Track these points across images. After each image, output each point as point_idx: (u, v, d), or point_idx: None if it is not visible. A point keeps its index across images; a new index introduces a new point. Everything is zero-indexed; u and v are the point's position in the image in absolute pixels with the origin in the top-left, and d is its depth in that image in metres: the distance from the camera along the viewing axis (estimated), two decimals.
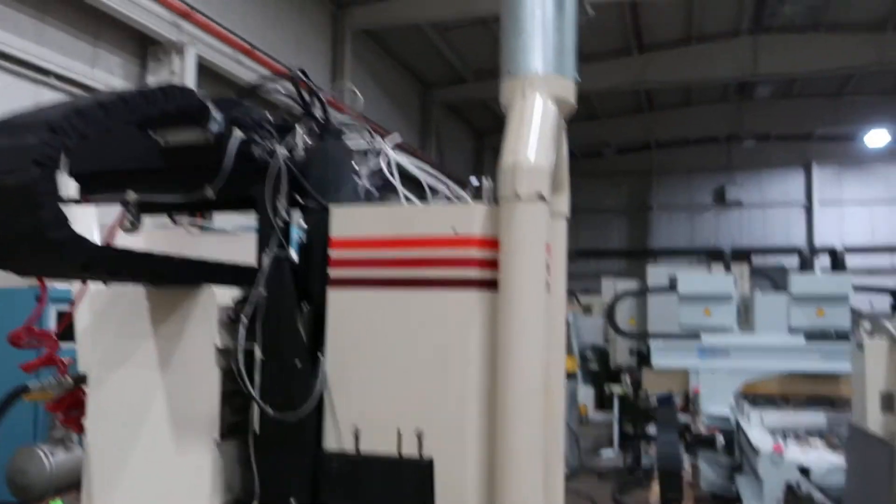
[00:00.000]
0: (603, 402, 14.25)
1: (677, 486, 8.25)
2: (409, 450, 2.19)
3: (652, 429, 10.34)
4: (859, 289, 9.03)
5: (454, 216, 2.26)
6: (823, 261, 15.65)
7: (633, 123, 22.07)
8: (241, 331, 2.24)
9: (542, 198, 2.15)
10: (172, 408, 2.36)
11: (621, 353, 13.84)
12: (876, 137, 21.15)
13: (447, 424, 2.17)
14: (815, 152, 22.61)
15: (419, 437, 2.18)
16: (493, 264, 2.20)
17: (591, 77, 16.50)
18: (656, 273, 12.34)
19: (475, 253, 2.22)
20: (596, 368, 14.98)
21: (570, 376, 12.35)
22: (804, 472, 6.57)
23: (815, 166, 22.76)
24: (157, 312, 2.42)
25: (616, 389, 11.96)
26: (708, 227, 23.74)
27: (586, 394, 14.33)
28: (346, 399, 2.26)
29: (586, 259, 22.38)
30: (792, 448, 6.94)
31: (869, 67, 16.12)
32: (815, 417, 7.93)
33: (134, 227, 3.00)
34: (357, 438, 2.23)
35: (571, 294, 17.19)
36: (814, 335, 8.77)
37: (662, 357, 9.15)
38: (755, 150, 22.61)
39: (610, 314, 10.60)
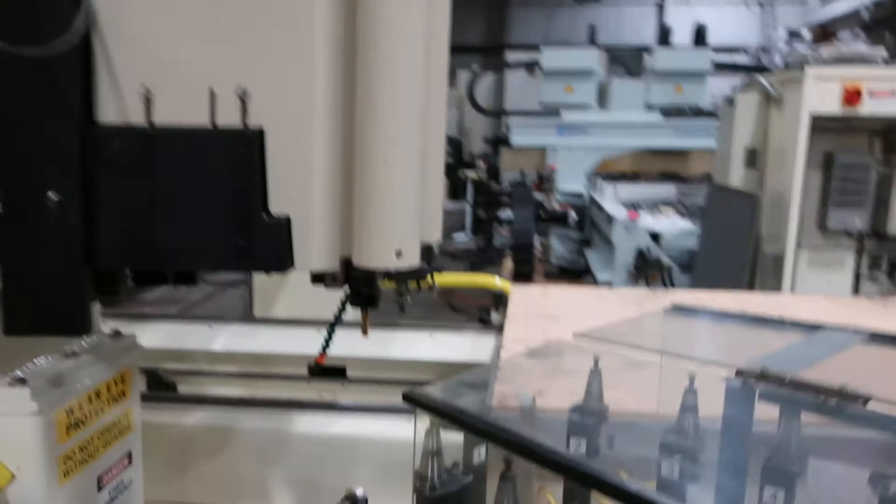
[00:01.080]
0: (456, 192, 14.15)
1: (529, 261, 8.32)
2: (229, 118, 1.50)
3: (504, 213, 10.35)
4: (719, 66, 8.99)
5: None
6: None
7: None
8: None
9: None
10: None
11: (476, 143, 13.57)
12: None
13: (285, 79, 1.47)
14: None
15: (243, 100, 1.48)
16: None
17: None
18: (515, 56, 11.82)
19: None
20: (449, 159, 14.71)
21: None
22: (655, 238, 6.70)
23: None
24: None
25: (471, 175, 11.75)
26: (564, 25, 23.21)
27: None
28: (129, 47, 1.49)
29: None
30: (644, 217, 7.03)
31: None
32: (666, 190, 8.08)
33: None
34: (148, 104, 1.50)
35: None
36: (670, 112, 8.76)
37: (522, 136, 8.85)
38: None
39: (470, 92, 10.05)
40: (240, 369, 3.09)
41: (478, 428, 1.22)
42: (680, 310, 1.78)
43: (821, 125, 4.57)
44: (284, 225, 1.50)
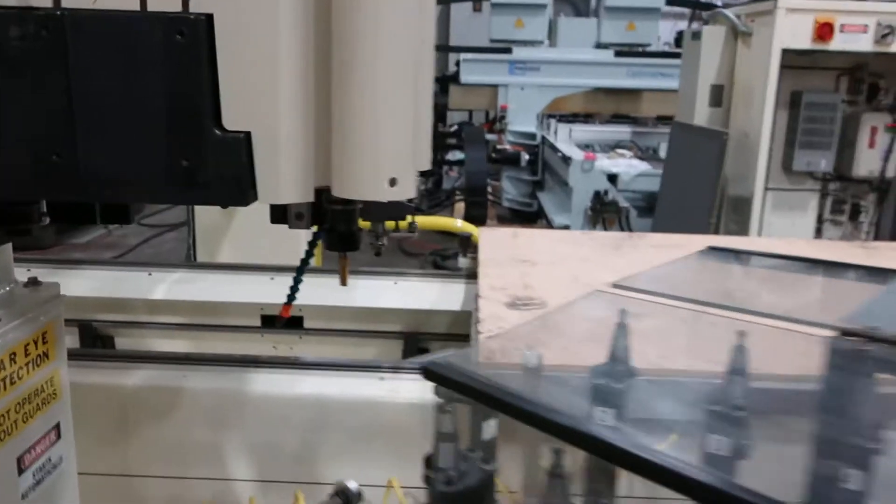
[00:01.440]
0: None
1: (483, 203, 8.07)
2: (165, 4, 1.16)
3: (452, 154, 10.03)
4: (672, 2, 8.74)
5: None
6: None
7: None
8: None
9: None
10: None
11: None
12: None
13: None
14: None
15: None
16: None
17: None
18: None
19: None
20: None
21: None
22: (612, 179, 6.53)
23: None
24: None
25: None
26: None
27: None
28: None
29: None
30: (601, 159, 6.84)
31: None
32: (621, 131, 7.90)
33: None
34: None
35: None
36: (622, 52, 8.53)
37: (472, 73, 8.49)
38: None
39: None
40: (184, 320, 2.80)
41: (544, 421, 0.94)
42: (719, 253, 1.55)
43: (787, 62, 4.41)
44: (243, 142, 1.18)
